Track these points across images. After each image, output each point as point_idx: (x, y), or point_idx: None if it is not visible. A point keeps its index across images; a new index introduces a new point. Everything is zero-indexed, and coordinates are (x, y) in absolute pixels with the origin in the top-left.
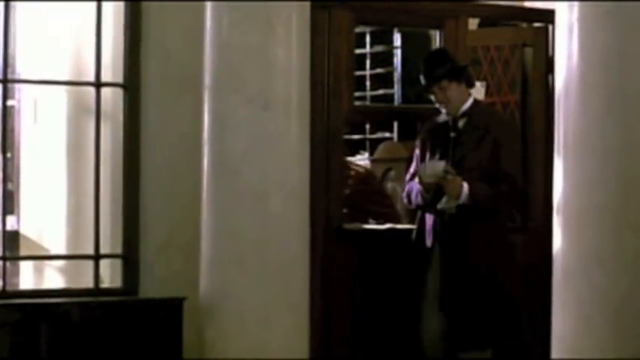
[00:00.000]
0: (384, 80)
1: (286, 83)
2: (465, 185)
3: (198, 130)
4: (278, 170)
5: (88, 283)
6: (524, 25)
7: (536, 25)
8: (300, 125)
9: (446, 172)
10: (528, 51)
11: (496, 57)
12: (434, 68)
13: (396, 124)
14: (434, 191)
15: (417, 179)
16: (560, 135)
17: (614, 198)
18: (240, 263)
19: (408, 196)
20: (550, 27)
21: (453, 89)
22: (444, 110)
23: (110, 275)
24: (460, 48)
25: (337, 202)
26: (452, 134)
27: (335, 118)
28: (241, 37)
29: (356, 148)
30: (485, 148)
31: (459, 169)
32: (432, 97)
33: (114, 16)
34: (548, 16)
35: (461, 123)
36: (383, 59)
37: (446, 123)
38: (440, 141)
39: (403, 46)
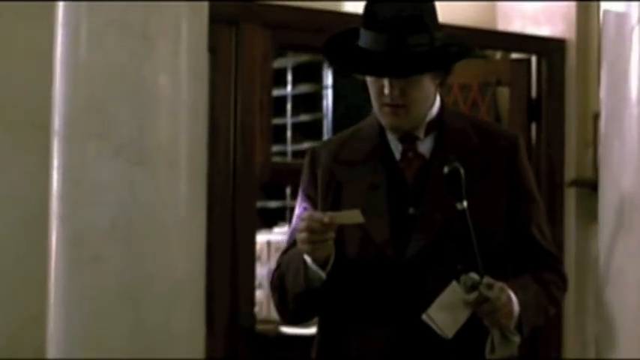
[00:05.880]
0: (311, 130)
1: (172, 126)
2: (512, 295)
3: (48, 193)
4: (160, 254)
5: None
6: (498, 55)
7: (515, 56)
8: (193, 188)
9: (477, 285)
10: (503, 91)
11: (461, 98)
12: (407, 34)
13: None
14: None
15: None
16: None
17: None
18: None
19: (280, 279)
20: (533, 58)
21: (426, 85)
22: (387, 120)
23: None
24: None
25: (247, 296)
26: (404, 169)
27: (244, 180)
28: (105, 56)
29: (273, 219)
30: (490, 194)
31: (439, 246)
32: (375, 90)
33: None
34: (531, 43)
35: (425, 146)
36: (309, 103)
37: (381, 144)
38: (376, 181)
39: (335, 86)
